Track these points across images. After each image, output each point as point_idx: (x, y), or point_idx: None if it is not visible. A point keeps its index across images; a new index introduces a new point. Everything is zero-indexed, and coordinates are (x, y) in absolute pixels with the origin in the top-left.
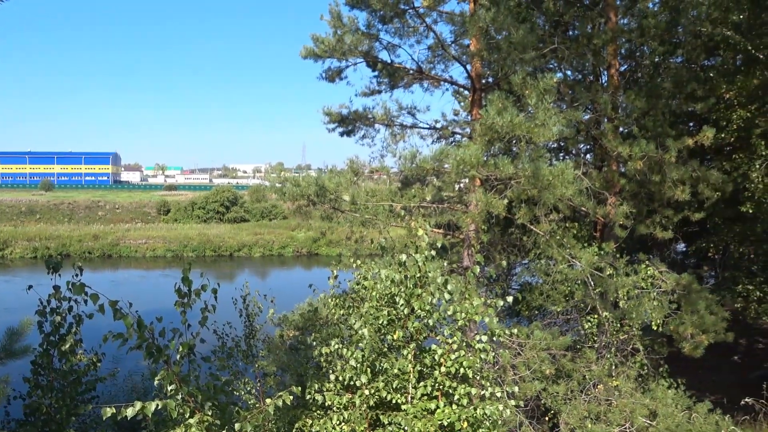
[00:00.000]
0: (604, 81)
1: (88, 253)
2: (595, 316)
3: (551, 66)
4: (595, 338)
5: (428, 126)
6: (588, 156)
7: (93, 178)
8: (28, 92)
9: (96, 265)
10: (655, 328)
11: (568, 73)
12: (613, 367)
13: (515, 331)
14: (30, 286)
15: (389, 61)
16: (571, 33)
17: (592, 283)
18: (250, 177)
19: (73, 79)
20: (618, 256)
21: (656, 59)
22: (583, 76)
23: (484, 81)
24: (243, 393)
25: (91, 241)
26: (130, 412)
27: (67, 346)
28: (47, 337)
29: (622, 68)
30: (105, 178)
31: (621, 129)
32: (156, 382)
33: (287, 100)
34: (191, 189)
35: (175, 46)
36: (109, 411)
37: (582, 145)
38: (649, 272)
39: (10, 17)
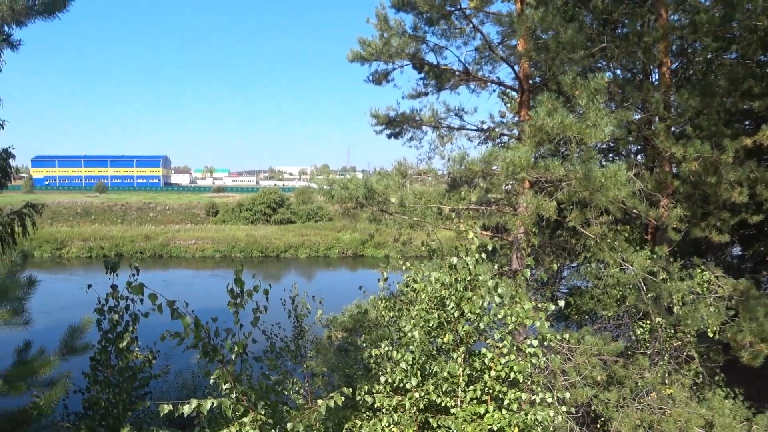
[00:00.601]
0: (655, 80)
1: (140, 253)
2: (648, 321)
3: (600, 65)
4: (648, 344)
5: (476, 128)
6: (639, 157)
7: (144, 180)
8: (80, 93)
9: (148, 264)
10: (711, 335)
11: (618, 72)
12: (667, 375)
13: (566, 335)
14: (89, 285)
15: (436, 63)
16: (620, 31)
17: (644, 287)
18: (296, 179)
19: (125, 83)
20: (671, 260)
21: (709, 56)
22: (634, 75)
23: (531, 82)
24: (291, 393)
25: (143, 241)
26: (186, 410)
27: (124, 343)
28: (105, 334)
29: (674, 66)
30: (156, 181)
31: (674, 129)
32: (212, 381)
33: (332, 103)
34: (239, 191)
35: (215, 56)
36: (166, 408)
37: (632, 146)
38: (704, 277)
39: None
